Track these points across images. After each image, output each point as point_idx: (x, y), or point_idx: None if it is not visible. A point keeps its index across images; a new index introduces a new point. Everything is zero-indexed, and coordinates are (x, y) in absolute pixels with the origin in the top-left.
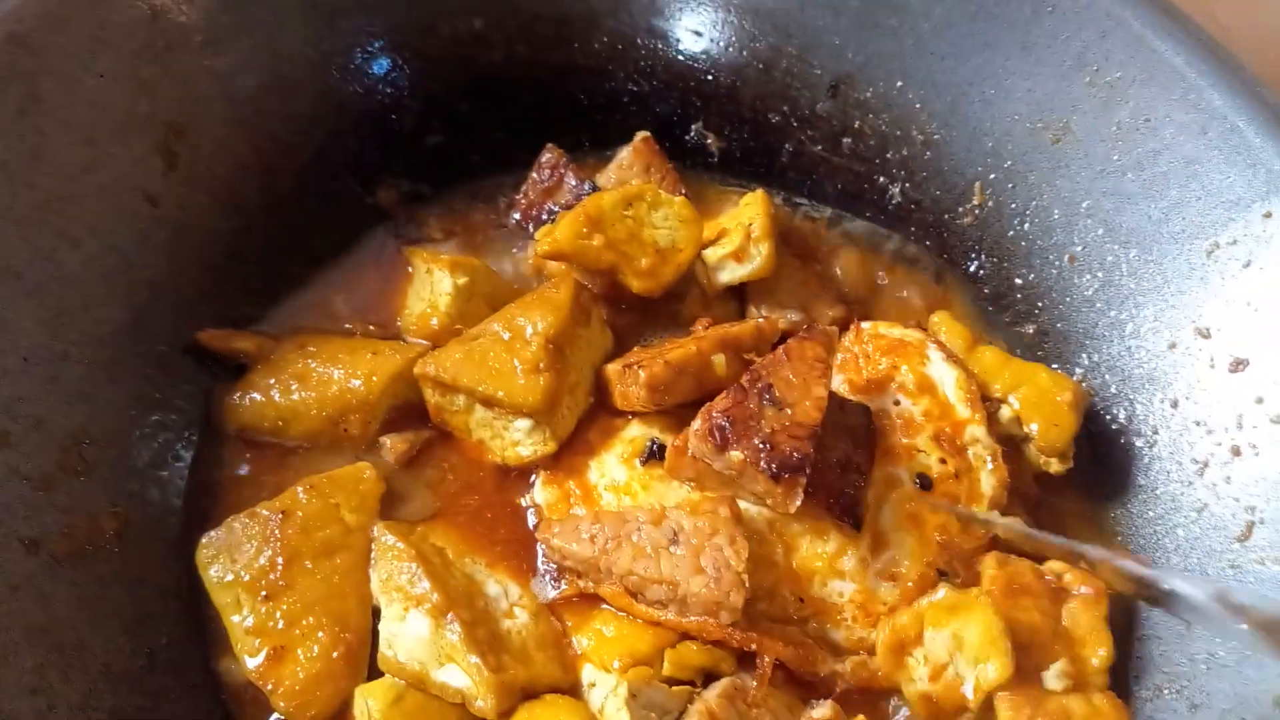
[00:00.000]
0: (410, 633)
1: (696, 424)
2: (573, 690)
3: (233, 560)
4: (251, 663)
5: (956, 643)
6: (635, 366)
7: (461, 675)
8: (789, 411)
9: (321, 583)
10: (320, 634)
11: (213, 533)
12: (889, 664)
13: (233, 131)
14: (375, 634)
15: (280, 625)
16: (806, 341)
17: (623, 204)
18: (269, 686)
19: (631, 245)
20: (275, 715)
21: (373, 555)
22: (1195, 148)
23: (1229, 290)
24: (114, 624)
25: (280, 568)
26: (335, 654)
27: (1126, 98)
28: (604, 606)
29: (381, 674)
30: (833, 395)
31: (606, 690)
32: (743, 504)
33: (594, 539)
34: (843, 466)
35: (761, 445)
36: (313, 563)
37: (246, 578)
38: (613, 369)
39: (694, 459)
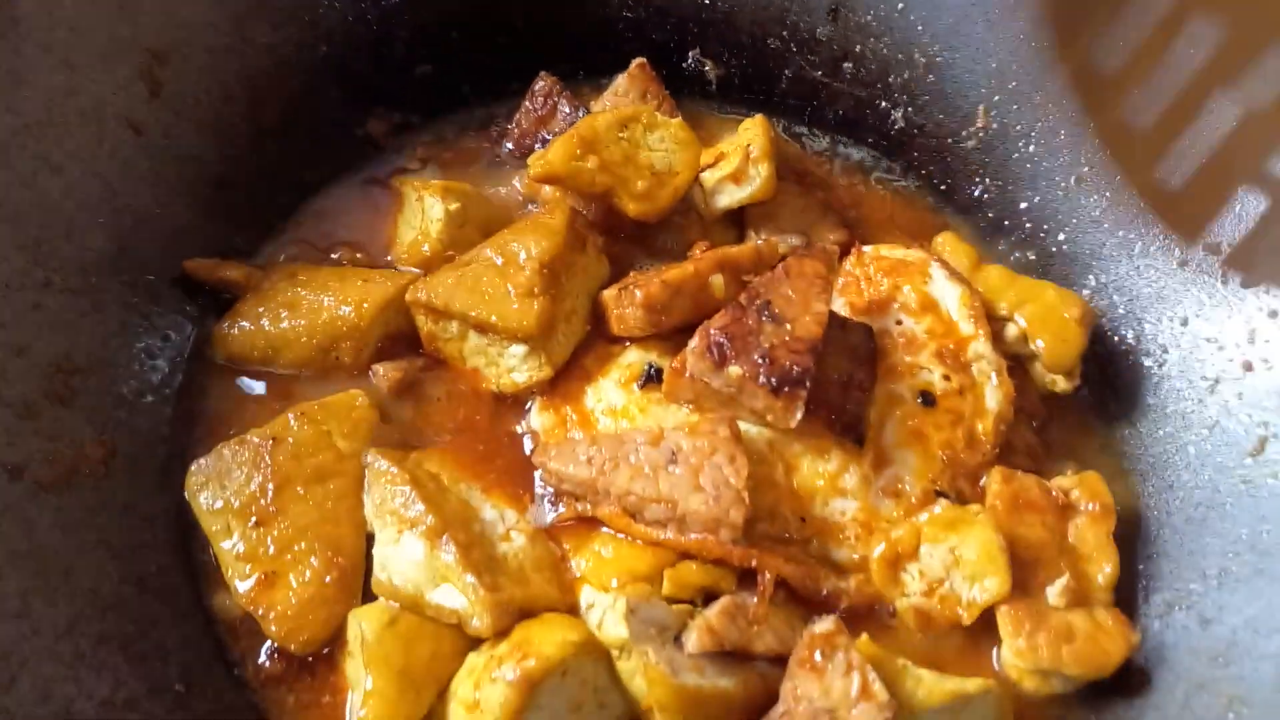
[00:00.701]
0: (405, 555)
1: (694, 342)
2: (571, 612)
3: (222, 487)
4: (242, 588)
5: (954, 558)
6: (631, 287)
7: (457, 595)
8: (788, 327)
9: (313, 509)
10: (312, 559)
11: (202, 460)
12: (883, 578)
13: (218, 59)
14: (369, 559)
15: (271, 551)
16: (806, 259)
17: (617, 126)
18: (260, 612)
19: (627, 168)
20: (268, 643)
21: (366, 480)
22: None
23: (1241, 205)
24: (101, 551)
25: (271, 494)
26: (328, 579)
27: None
28: (603, 530)
29: (376, 599)
30: (833, 315)
31: (605, 608)
32: (742, 425)
33: (591, 460)
34: (844, 384)
35: (761, 360)
36: (304, 489)
37: (237, 504)
38: (609, 294)
39: (692, 378)
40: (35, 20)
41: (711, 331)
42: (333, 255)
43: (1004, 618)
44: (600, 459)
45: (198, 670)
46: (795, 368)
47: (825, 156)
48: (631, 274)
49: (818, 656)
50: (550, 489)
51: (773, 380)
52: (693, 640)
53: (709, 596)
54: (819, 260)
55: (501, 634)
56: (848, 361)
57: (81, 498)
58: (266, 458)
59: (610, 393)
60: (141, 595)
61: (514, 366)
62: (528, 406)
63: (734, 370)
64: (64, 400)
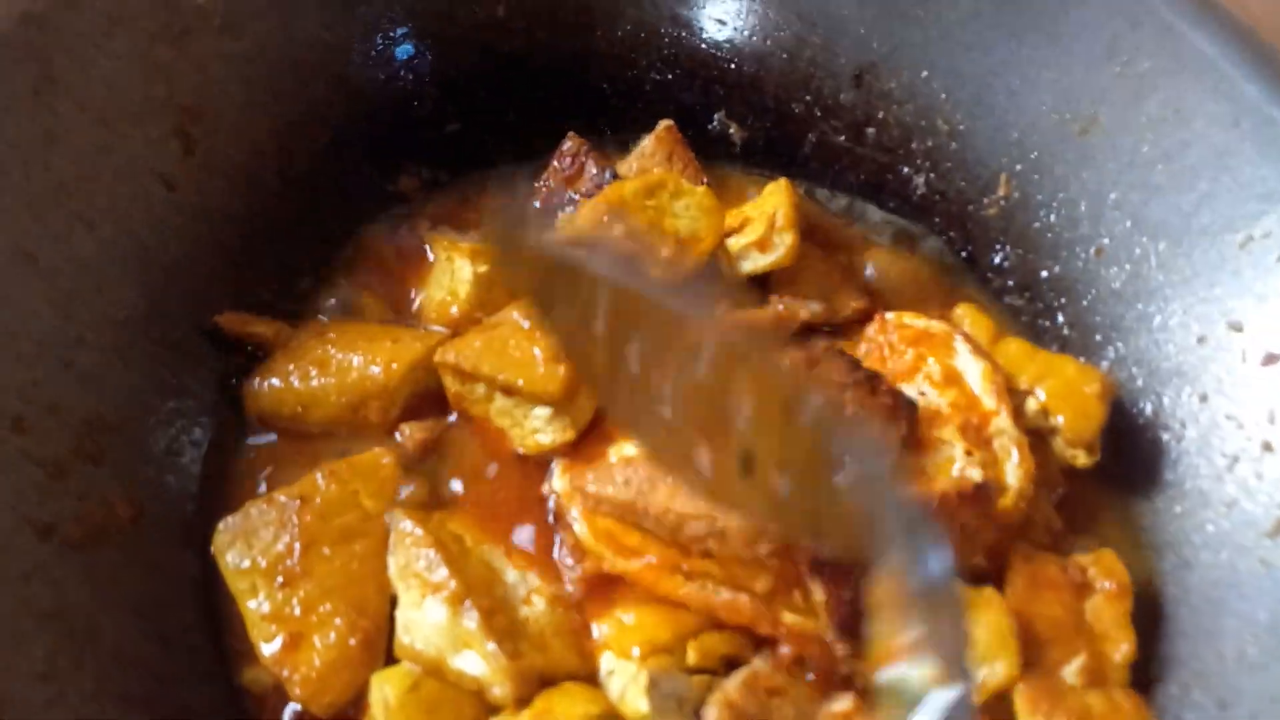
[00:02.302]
0: (427, 620)
1: None
2: (590, 679)
3: (249, 546)
4: (268, 650)
5: None
6: None
7: (479, 662)
8: None
9: (339, 570)
10: (337, 621)
11: (230, 518)
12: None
13: (249, 116)
14: (392, 621)
15: (297, 612)
16: (969, 502)
17: (645, 193)
18: (285, 673)
19: (652, 234)
20: (292, 706)
21: (390, 541)
22: (1227, 139)
23: (1263, 284)
24: (126, 610)
25: (298, 554)
26: (352, 641)
27: (1156, 88)
28: (625, 596)
29: (398, 661)
30: (881, 379)
31: (626, 679)
32: None
33: (629, 481)
34: None
35: (847, 599)
36: (331, 549)
37: (263, 564)
38: None
39: None
40: (71, 78)
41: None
42: (365, 313)
43: (1020, 697)
44: (638, 479)
45: None
46: None
47: (846, 220)
48: None
49: None
50: (569, 559)
51: (846, 624)
52: (712, 715)
53: (731, 665)
54: (975, 504)
55: (522, 703)
56: (881, 425)
57: (108, 556)
58: (294, 518)
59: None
60: (166, 654)
61: (539, 428)
62: (551, 468)
63: (817, 592)
64: (94, 459)
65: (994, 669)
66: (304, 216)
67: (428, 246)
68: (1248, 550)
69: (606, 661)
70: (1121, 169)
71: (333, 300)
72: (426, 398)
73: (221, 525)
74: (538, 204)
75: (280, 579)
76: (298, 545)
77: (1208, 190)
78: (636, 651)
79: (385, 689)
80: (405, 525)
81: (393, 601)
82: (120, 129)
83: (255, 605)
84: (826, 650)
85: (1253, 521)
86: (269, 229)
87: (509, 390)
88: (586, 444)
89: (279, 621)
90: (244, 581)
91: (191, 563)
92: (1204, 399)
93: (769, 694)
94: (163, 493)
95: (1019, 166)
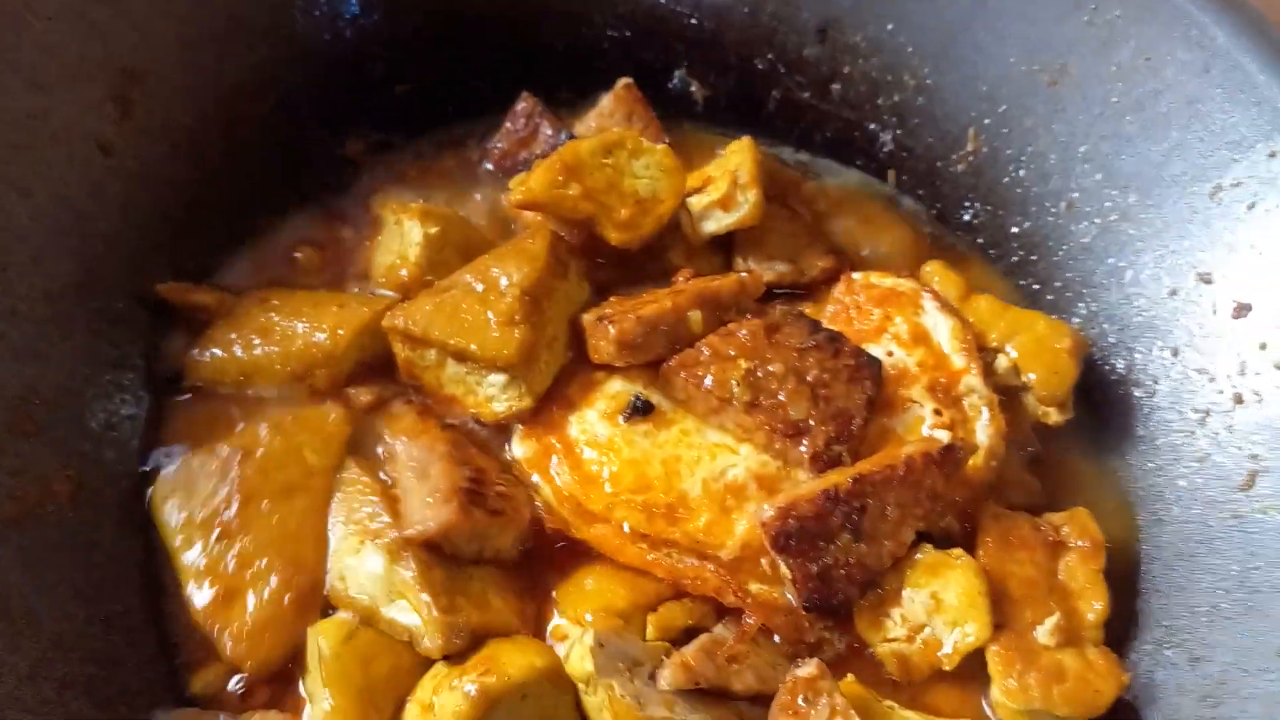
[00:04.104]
0: (364, 567)
1: (769, 511)
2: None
3: (187, 498)
4: (199, 602)
5: (935, 604)
6: (606, 322)
7: (411, 613)
8: (862, 548)
9: (278, 525)
10: (273, 578)
11: (168, 469)
12: (863, 622)
13: (191, 78)
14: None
15: (232, 567)
16: (936, 465)
17: (602, 151)
18: (216, 629)
19: (610, 195)
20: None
21: (337, 491)
22: (1197, 87)
23: (1232, 234)
24: (65, 591)
25: (236, 507)
26: (287, 598)
27: (1126, 36)
28: (590, 563)
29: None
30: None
31: (574, 641)
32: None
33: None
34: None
35: (815, 572)
36: (270, 504)
37: (200, 517)
38: (588, 319)
39: (762, 524)
40: (2, 40)
41: (792, 516)
42: (311, 279)
43: (993, 658)
44: None
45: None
46: (839, 597)
47: (812, 178)
48: (611, 299)
49: (800, 701)
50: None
51: (813, 599)
52: (666, 676)
53: (691, 635)
54: (946, 471)
55: (455, 659)
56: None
57: (45, 535)
58: (234, 470)
59: (595, 424)
60: (107, 636)
61: (494, 396)
62: (510, 434)
63: (784, 567)
64: (29, 434)
65: (966, 631)
66: (249, 183)
67: (376, 210)
68: (1220, 504)
69: (560, 628)
70: (1092, 120)
71: (277, 267)
72: (375, 364)
73: (160, 476)
74: (490, 166)
75: (217, 532)
76: (236, 498)
77: (1178, 140)
78: (589, 617)
79: (320, 641)
80: (353, 472)
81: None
82: (54, 92)
83: (190, 559)
84: (794, 620)
85: (1224, 475)
86: (212, 195)
87: (462, 356)
88: (546, 409)
89: (213, 576)
90: (180, 534)
91: (133, 543)
92: (1175, 353)
93: (729, 660)
94: (101, 469)
95: (987, 120)
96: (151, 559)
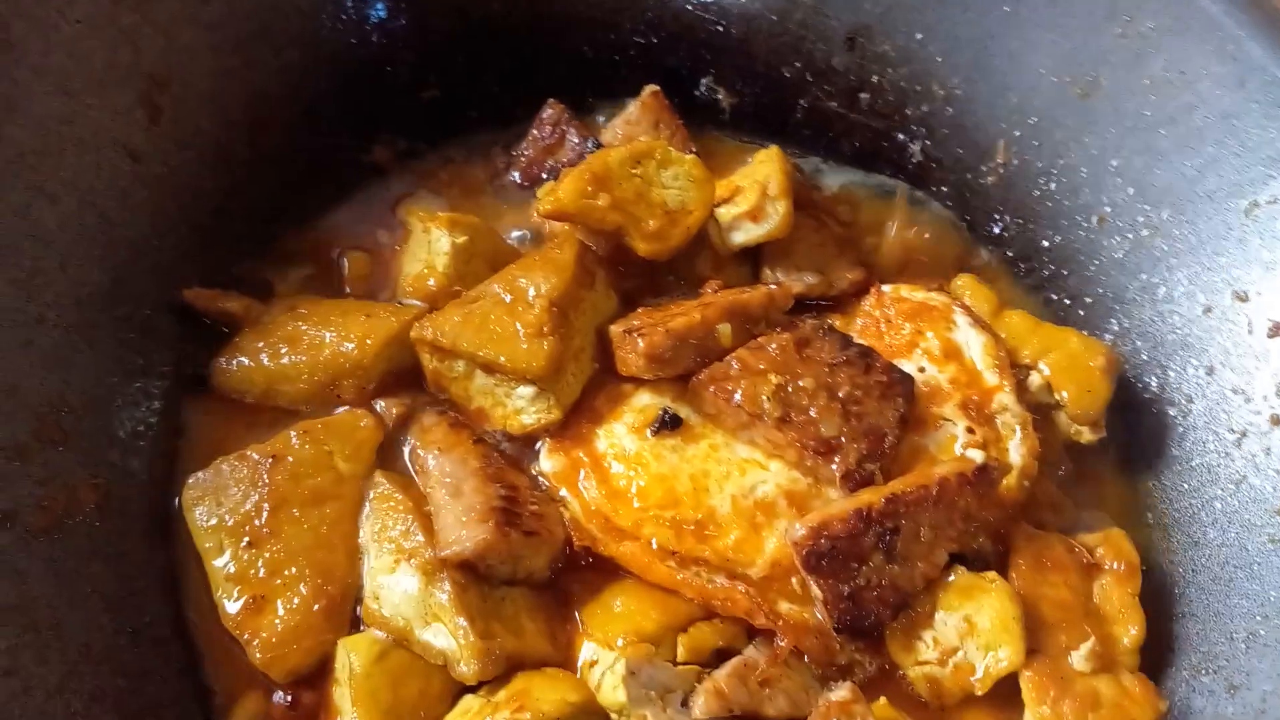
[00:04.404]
0: (398, 587)
1: (800, 530)
2: (565, 667)
3: (218, 504)
4: (230, 609)
5: (968, 627)
6: (634, 334)
7: (447, 637)
8: (895, 569)
9: (308, 532)
10: (302, 586)
11: (200, 474)
12: (895, 644)
13: (219, 84)
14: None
15: (262, 574)
16: (970, 485)
17: (630, 162)
18: (245, 636)
19: (639, 206)
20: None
21: (367, 504)
22: (1233, 101)
23: (1269, 251)
24: (94, 602)
25: (266, 514)
26: (316, 607)
27: (1160, 49)
28: (617, 581)
29: (365, 628)
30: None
31: (605, 668)
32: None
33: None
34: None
35: (846, 593)
36: (300, 511)
37: (231, 522)
38: (615, 331)
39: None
40: (31, 45)
41: (824, 535)
42: (339, 288)
43: (1027, 684)
44: None
45: None
46: (871, 619)
47: (841, 189)
48: (639, 310)
49: None
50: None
51: (845, 620)
52: (700, 704)
53: (724, 657)
54: (980, 492)
55: (501, 680)
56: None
57: (73, 545)
58: (265, 476)
59: (622, 438)
60: (135, 648)
61: (522, 408)
62: (537, 448)
63: (815, 587)
64: (56, 442)
65: (999, 656)
66: (276, 189)
67: (404, 218)
68: (1257, 528)
69: (588, 651)
70: (1123, 133)
71: (305, 276)
72: (403, 376)
73: (191, 480)
74: (517, 174)
75: (247, 539)
76: (266, 505)
77: (1213, 155)
78: (620, 641)
79: (352, 656)
80: (385, 487)
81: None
82: (83, 98)
83: (220, 564)
84: (825, 641)
85: (1261, 498)
86: (239, 202)
87: (490, 368)
88: (574, 423)
89: (243, 583)
90: (210, 539)
91: (160, 554)
92: (1210, 372)
93: (761, 685)
94: (128, 477)
95: (1018, 132)
96: (178, 571)
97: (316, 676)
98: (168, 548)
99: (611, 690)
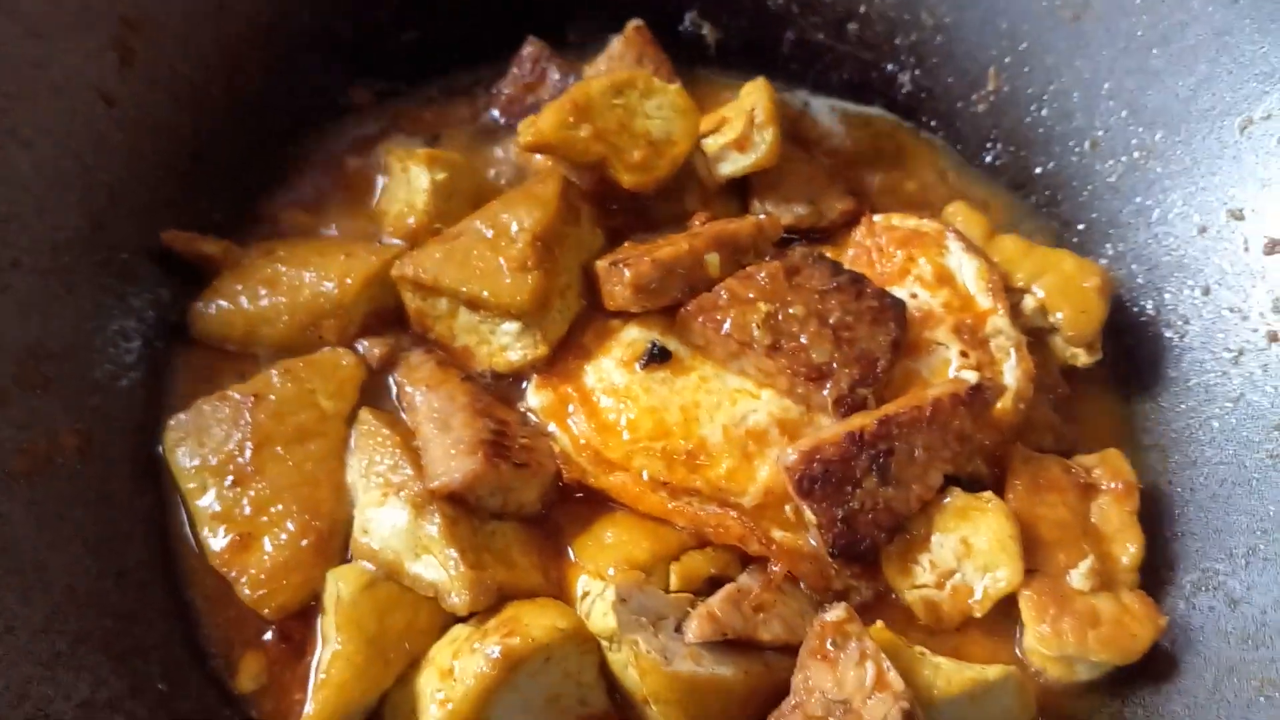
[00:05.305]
0: (387, 520)
1: (792, 455)
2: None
3: (200, 444)
4: (215, 546)
5: (965, 549)
6: (620, 265)
7: (437, 569)
8: (890, 491)
9: (293, 469)
10: (289, 523)
11: (181, 415)
12: (891, 569)
13: (194, 27)
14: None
15: (247, 512)
16: (964, 405)
17: (612, 91)
18: (233, 574)
19: (622, 136)
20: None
21: (353, 441)
22: (1225, 18)
23: (1264, 168)
24: (77, 545)
25: (250, 453)
26: (304, 543)
27: None
28: (608, 514)
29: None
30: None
31: (595, 595)
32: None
33: None
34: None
35: (840, 518)
36: (284, 449)
37: (214, 462)
38: (601, 265)
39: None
40: None
41: (817, 458)
42: (318, 230)
43: (1026, 603)
44: None
45: (178, 667)
46: (866, 543)
47: (830, 120)
48: (626, 245)
49: (829, 646)
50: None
51: (839, 544)
52: (693, 628)
53: (715, 585)
54: (974, 411)
55: (491, 611)
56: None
57: (56, 489)
58: (247, 415)
59: (611, 373)
60: (120, 590)
61: (507, 345)
62: (524, 385)
63: (809, 512)
64: (36, 387)
65: (997, 576)
66: (254, 133)
67: (383, 158)
68: (1255, 444)
69: (582, 583)
70: (1116, 55)
71: (283, 218)
72: (384, 315)
73: (172, 422)
74: (497, 113)
75: (231, 478)
76: (250, 444)
77: (1206, 73)
78: (611, 571)
79: (340, 584)
80: (371, 424)
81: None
82: (54, 41)
83: (204, 504)
84: (819, 567)
85: (1259, 414)
86: (217, 146)
87: (474, 304)
88: (561, 358)
89: (228, 522)
90: (193, 480)
91: (145, 498)
92: (1206, 292)
93: (755, 610)
94: (110, 422)
95: (1008, 59)
96: (164, 514)
97: (310, 614)
98: (155, 492)
99: (601, 617)
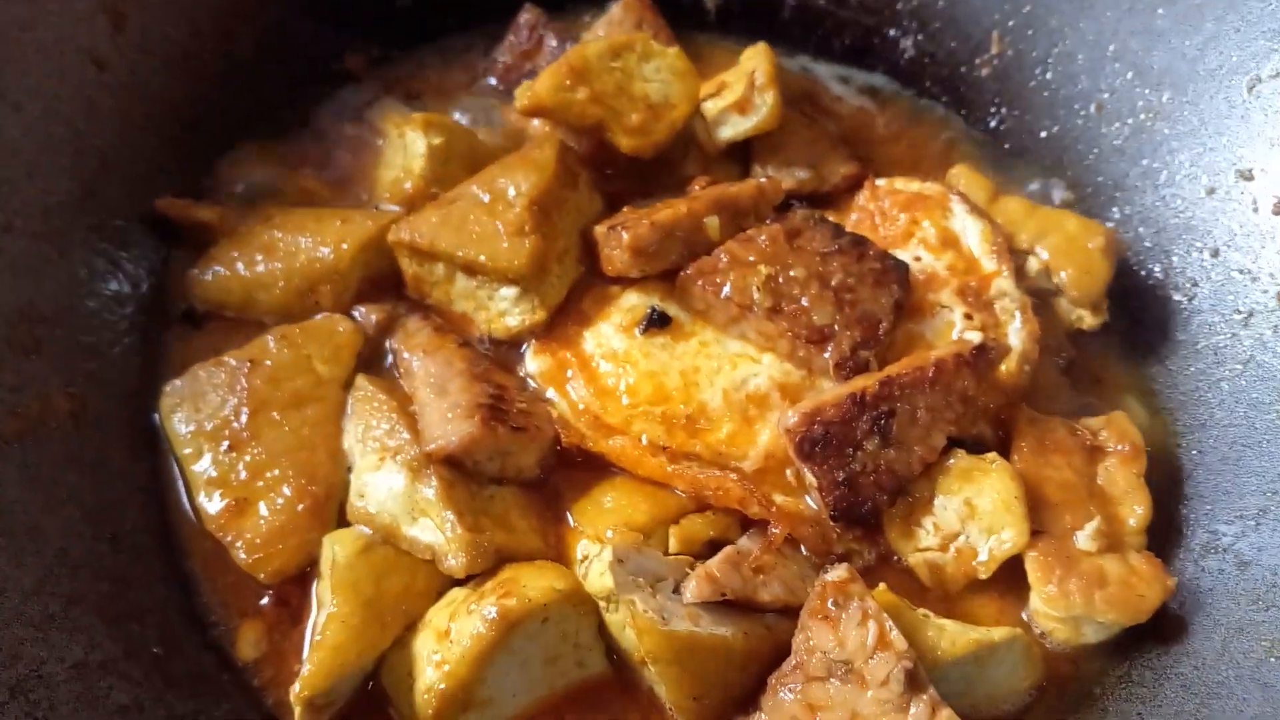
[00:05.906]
0: (384, 483)
1: (793, 418)
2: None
3: (196, 409)
4: (211, 510)
5: (969, 510)
6: (619, 228)
7: (434, 531)
8: (891, 454)
9: (289, 434)
10: (285, 487)
11: (176, 380)
12: (894, 532)
13: None
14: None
15: (243, 477)
16: (968, 366)
17: (610, 55)
18: (229, 538)
19: (620, 99)
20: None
21: (349, 406)
22: None
23: (1273, 127)
24: (71, 509)
25: (245, 418)
26: (300, 507)
27: None
28: (607, 479)
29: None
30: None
31: (593, 557)
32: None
33: None
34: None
35: (841, 479)
36: (280, 414)
37: (209, 427)
38: (600, 230)
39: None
40: None
41: (817, 421)
42: (310, 196)
43: (1033, 564)
44: None
45: (175, 632)
46: (867, 505)
47: (832, 86)
48: (625, 210)
49: (831, 606)
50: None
51: (840, 507)
52: (691, 588)
53: (715, 549)
54: (978, 373)
55: (488, 574)
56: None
57: (49, 452)
58: (243, 380)
59: (610, 338)
60: (115, 554)
61: (505, 310)
62: (523, 350)
63: (809, 474)
64: (28, 350)
65: (1002, 538)
66: (248, 98)
67: (378, 124)
68: (1265, 406)
69: (581, 547)
70: (1121, 16)
71: (278, 184)
72: (381, 281)
73: (168, 388)
74: (494, 80)
75: (226, 443)
76: (245, 409)
77: (1213, 31)
78: (610, 534)
79: (336, 548)
80: (367, 389)
81: (346, 470)
82: (43, 4)
83: (200, 469)
84: (821, 530)
85: (1270, 376)
86: (210, 112)
87: (471, 269)
88: (560, 324)
89: (224, 486)
90: (189, 445)
91: (141, 464)
92: (1215, 254)
93: (755, 571)
94: (104, 386)
95: (1011, 21)
96: (161, 480)
97: (307, 580)
98: (151, 458)
99: (598, 577)
